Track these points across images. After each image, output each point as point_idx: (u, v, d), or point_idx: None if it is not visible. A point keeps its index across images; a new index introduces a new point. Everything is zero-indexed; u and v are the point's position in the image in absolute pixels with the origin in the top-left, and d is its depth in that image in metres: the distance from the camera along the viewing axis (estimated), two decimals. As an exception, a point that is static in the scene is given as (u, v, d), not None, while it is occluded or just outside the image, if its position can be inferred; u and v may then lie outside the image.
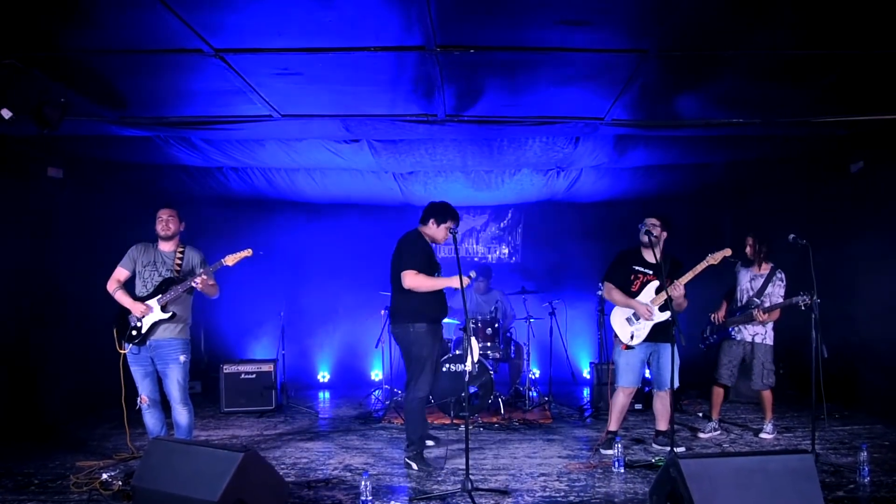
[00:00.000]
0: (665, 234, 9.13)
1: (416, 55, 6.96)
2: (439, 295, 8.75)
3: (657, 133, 9.97)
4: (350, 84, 7.85)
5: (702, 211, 14.18)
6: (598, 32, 6.46)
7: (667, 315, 8.92)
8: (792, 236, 8.59)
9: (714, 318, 10.33)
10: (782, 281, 9.89)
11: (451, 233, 8.80)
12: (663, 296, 8.86)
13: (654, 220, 9.10)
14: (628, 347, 9.15)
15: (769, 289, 9.86)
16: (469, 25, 6.31)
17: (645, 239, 8.97)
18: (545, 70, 7.46)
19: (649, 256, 9.20)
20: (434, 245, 9.01)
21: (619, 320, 9.26)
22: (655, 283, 9.06)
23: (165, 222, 8.54)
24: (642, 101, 8.41)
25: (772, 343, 9.96)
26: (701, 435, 10.23)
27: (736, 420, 11.06)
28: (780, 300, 9.71)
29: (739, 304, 10.06)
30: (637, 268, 9.23)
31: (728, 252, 8.80)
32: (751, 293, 9.98)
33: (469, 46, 6.73)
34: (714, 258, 8.76)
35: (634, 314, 9.11)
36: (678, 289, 8.77)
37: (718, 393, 10.32)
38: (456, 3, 5.84)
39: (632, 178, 12.43)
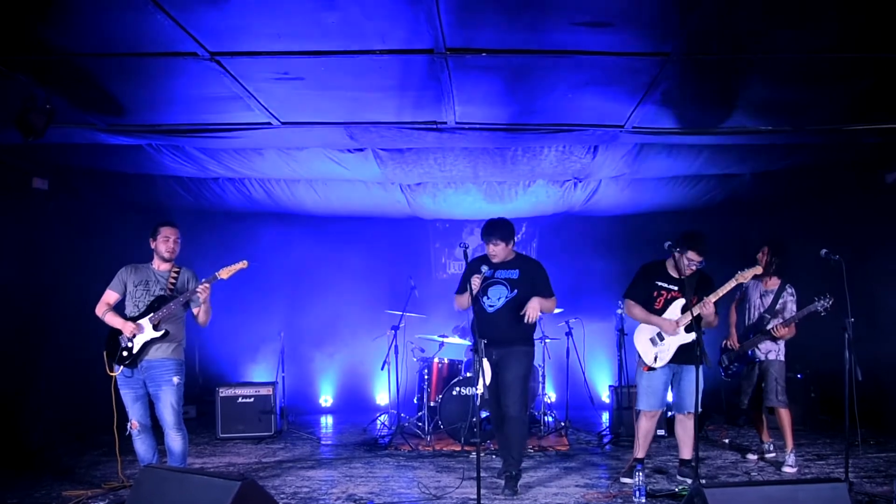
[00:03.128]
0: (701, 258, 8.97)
1: (425, 59, 6.95)
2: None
3: (681, 141, 9.95)
4: (354, 89, 7.86)
5: (727, 224, 14.09)
6: (617, 34, 6.45)
7: (692, 336, 8.78)
8: (824, 251, 8.56)
9: (729, 344, 10.30)
10: (793, 296, 9.91)
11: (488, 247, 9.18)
12: (690, 315, 8.79)
13: (696, 256, 8.81)
14: (650, 369, 9.08)
15: (779, 304, 9.86)
16: (481, 27, 6.30)
17: (685, 269, 8.91)
18: (561, 74, 7.44)
19: (675, 272, 9.04)
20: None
21: (642, 340, 9.17)
22: (681, 301, 8.92)
23: (173, 244, 8.56)
24: (665, 107, 8.39)
25: (784, 359, 9.96)
26: (749, 457, 10.48)
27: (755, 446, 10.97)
28: (794, 313, 9.70)
29: (750, 323, 10.09)
30: (660, 283, 9.10)
31: (759, 270, 8.77)
32: (761, 310, 9.99)
33: (481, 49, 6.73)
34: (744, 276, 8.67)
35: (658, 334, 9.01)
36: (708, 307, 8.60)
37: (757, 416, 10.40)
38: (466, 4, 5.83)
39: (654, 190, 12.38)
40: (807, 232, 12.50)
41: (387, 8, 5.89)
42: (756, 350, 9.94)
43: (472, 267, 9.05)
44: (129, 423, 8.37)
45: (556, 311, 10.31)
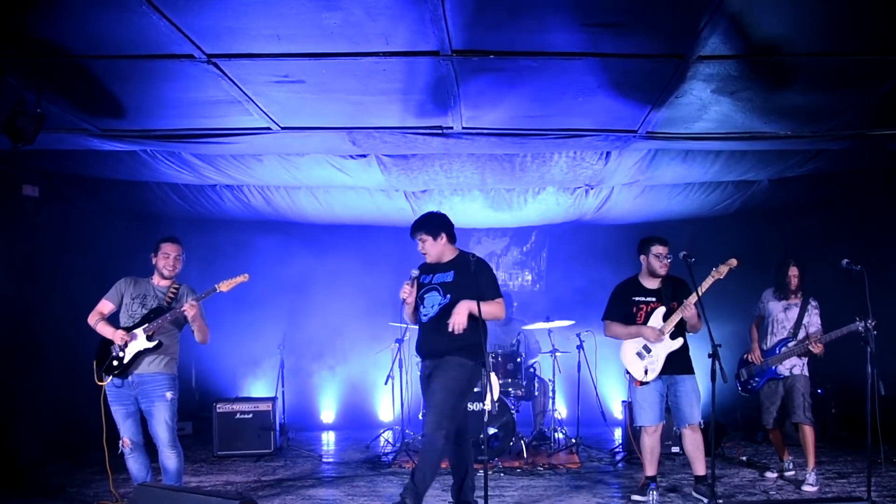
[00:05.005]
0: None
1: (430, 61, 6.94)
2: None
3: (696, 147, 9.94)
4: (357, 93, 7.84)
5: (745, 231, 14.07)
6: (630, 36, 6.44)
7: (679, 343, 8.96)
8: (845, 261, 8.55)
9: (751, 358, 10.26)
10: (817, 309, 9.98)
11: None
12: (673, 321, 8.88)
13: (663, 248, 9.07)
14: (642, 383, 9.09)
15: (806, 318, 9.87)
16: (488, 28, 6.29)
17: (659, 267, 9.04)
18: (572, 77, 7.42)
19: (649, 283, 9.26)
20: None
21: (629, 356, 9.19)
22: (661, 310, 9.05)
23: (173, 261, 8.55)
24: (679, 111, 8.37)
25: (808, 374, 9.94)
26: (768, 475, 10.40)
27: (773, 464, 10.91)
28: (819, 328, 9.71)
29: (778, 339, 10.04)
30: (637, 298, 9.24)
31: (734, 263, 8.72)
32: (787, 324, 9.99)
33: (488, 51, 6.71)
34: (719, 272, 8.70)
35: (645, 347, 9.04)
36: (689, 309, 8.73)
37: (777, 435, 10.33)
38: (473, 4, 5.82)
39: (668, 197, 12.37)
40: (827, 239, 12.52)
41: (390, 8, 5.87)
42: (778, 366, 9.92)
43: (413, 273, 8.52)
44: (120, 441, 8.34)
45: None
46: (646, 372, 9.00)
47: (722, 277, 8.71)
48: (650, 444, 9.20)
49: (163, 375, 8.35)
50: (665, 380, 9.08)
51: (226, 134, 9.15)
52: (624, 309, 9.27)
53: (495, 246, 15.63)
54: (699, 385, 9.06)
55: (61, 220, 11.78)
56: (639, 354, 9.07)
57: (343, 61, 6.89)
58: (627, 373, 9.30)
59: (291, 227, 14.39)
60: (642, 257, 9.18)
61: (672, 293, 9.06)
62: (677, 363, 8.98)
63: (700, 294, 8.62)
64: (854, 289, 8.57)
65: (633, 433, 10.40)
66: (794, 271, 9.99)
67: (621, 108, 8.36)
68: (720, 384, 7.79)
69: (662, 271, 9.03)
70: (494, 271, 8.59)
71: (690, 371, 8.99)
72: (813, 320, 9.90)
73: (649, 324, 9.05)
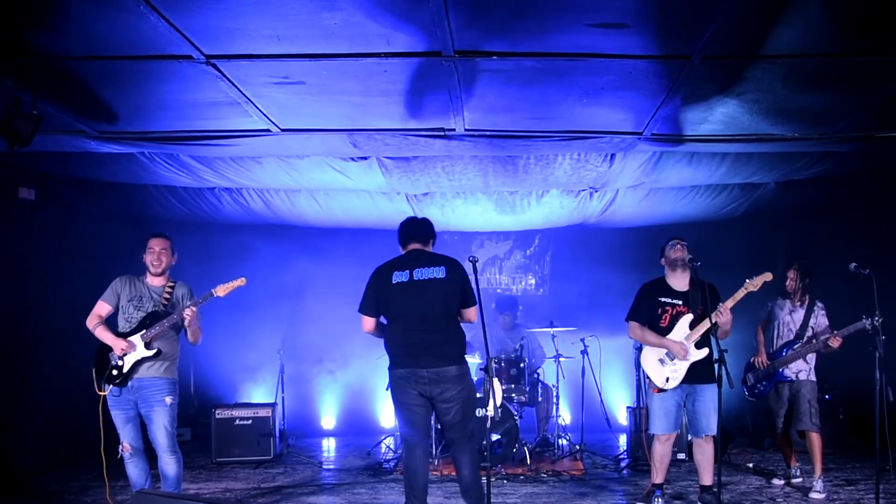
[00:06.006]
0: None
1: (432, 62, 6.93)
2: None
3: (702, 149, 9.93)
4: (358, 95, 7.83)
5: (752, 235, 14.10)
6: (635, 37, 6.43)
7: (704, 353, 8.78)
8: (853, 265, 8.54)
9: (757, 362, 10.24)
10: (823, 310, 9.95)
11: None
12: (699, 330, 8.73)
13: (679, 240, 9.01)
14: (661, 391, 8.98)
15: (812, 321, 9.88)
16: (491, 29, 6.28)
17: (673, 252, 8.93)
18: (576, 79, 7.41)
19: (677, 284, 9.06)
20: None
21: (651, 361, 9.04)
22: (689, 317, 8.87)
23: (158, 255, 8.48)
24: (685, 113, 8.37)
25: (815, 379, 9.92)
26: (774, 482, 10.40)
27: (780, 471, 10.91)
28: (828, 328, 9.71)
29: (784, 342, 10.03)
30: (664, 299, 9.03)
31: (769, 276, 8.66)
32: (792, 327, 9.98)
33: (491, 52, 6.70)
34: (754, 284, 8.57)
35: (668, 353, 8.89)
36: (725, 314, 8.55)
37: (785, 441, 10.34)
38: (476, 4, 5.81)
39: (674, 200, 12.36)
40: (835, 243, 12.50)
41: (392, 8, 5.86)
42: (785, 369, 9.91)
43: None
44: (120, 446, 8.30)
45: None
46: (667, 380, 8.88)
47: (756, 290, 8.66)
48: (661, 452, 9.12)
49: (163, 380, 8.32)
50: (685, 388, 8.92)
51: (225, 136, 9.15)
52: (649, 310, 9.09)
53: (498, 249, 15.62)
54: None
55: (58, 224, 11.78)
56: (661, 361, 8.93)
57: (343, 62, 6.89)
58: (647, 377, 9.19)
59: (291, 231, 14.39)
60: (663, 259, 9.09)
61: (700, 298, 8.89)
62: (700, 372, 8.79)
63: (736, 300, 8.59)
64: (862, 293, 8.56)
65: (646, 439, 10.36)
66: (791, 274, 10.00)
67: (626, 110, 8.36)
68: (728, 390, 7.78)
69: (677, 254, 8.89)
70: (368, 284, 8.89)
71: (712, 380, 8.77)
72: (820, 321, 9.90)
73: (675, 332, 8.89)
